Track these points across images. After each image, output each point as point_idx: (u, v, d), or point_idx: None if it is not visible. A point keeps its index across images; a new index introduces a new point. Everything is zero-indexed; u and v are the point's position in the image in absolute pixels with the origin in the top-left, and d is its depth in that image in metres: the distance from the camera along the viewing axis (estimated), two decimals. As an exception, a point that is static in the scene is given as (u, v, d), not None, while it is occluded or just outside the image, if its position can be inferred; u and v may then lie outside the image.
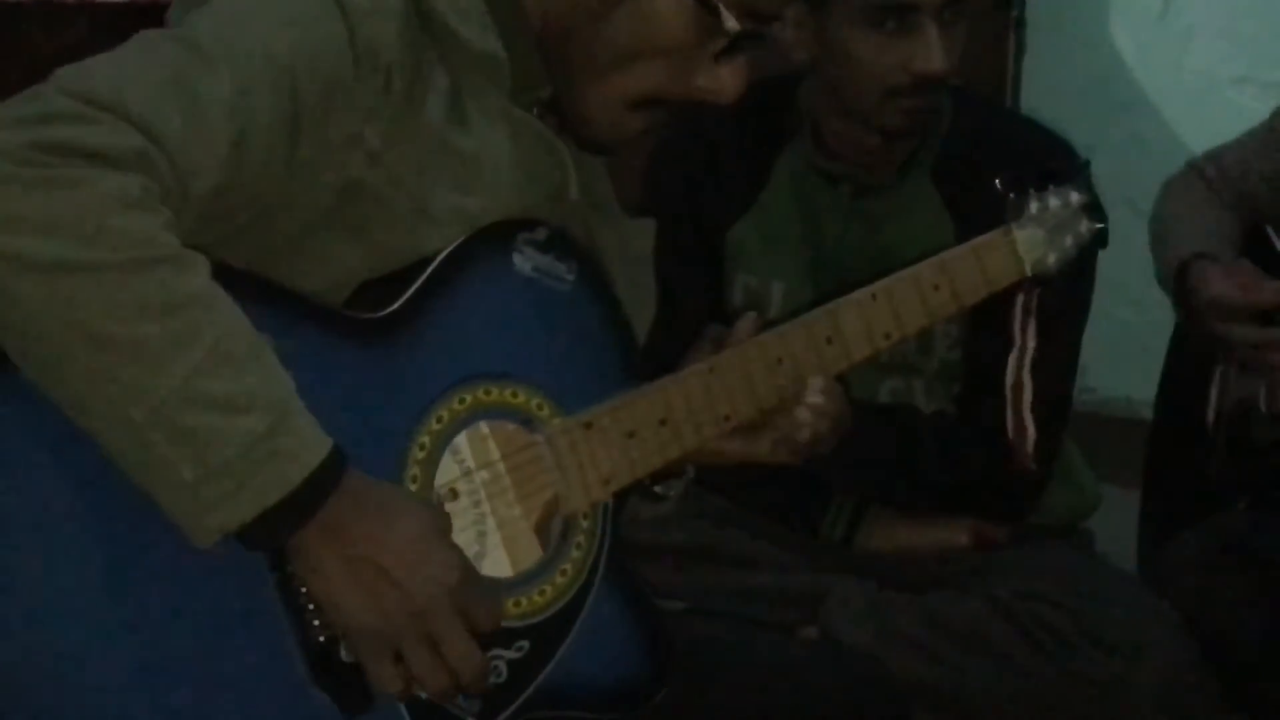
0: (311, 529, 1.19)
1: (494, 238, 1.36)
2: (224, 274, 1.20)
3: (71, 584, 1.20)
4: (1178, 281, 2.11)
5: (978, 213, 1.62)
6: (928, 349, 1.97)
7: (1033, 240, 1.55)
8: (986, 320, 1.83)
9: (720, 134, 2.04)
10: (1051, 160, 1.84)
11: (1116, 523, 2.33)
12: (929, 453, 1.97)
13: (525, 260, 1.39)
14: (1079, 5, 3.55)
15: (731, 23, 1.32)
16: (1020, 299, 1.64)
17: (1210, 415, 2.22)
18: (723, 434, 1.46)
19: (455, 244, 1.33)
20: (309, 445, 1.17)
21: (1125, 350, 3.07)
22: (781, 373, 1.46)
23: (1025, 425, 1.69)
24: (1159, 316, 2.26)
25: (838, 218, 1.98)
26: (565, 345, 1.41)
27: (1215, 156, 2.20)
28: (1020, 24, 3.50)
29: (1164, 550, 2.20)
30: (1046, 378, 1.81)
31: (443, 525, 1.27)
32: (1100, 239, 1.63)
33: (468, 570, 1.25)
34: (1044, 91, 3.47)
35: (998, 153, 1.91)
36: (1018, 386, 1.68)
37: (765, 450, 1.52)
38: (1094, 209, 1.60)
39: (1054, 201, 1.57)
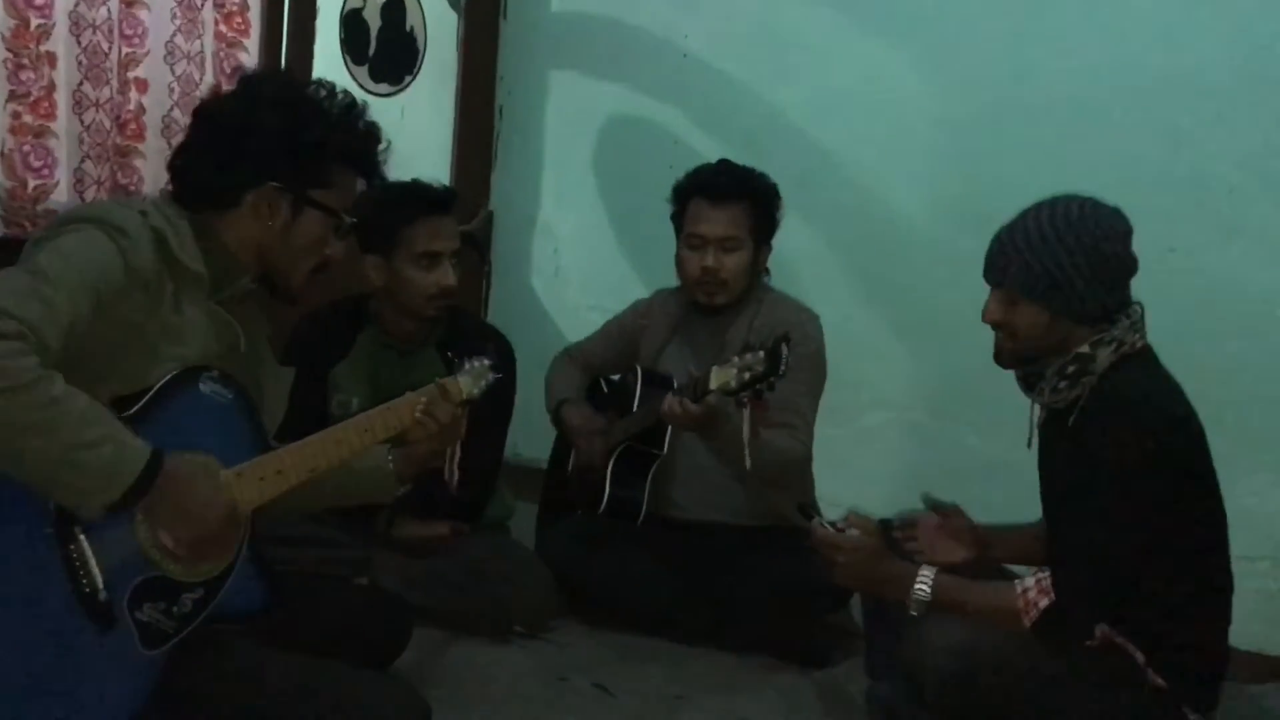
0: (153, 493, 1.61)
1: (188, 376, 1.75)
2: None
3: None
4: None
5: (459, 367, 2.17)
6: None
7: (464, 384, 2.13)
8: None
9: (329, 322, 2.89)
10: (478, 343, 2.45)
11: (524, 523, 3.20)
12: None
13: (207, 387, 1.78)
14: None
15: (348, 220, 1.89)
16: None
17: (570, 468, 3.03)
18: (314, 477, 1.85)
19: (166, 378, 1.71)
20: (140, 453, 1.60)
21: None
22: (341, 446, 1.92)
23: (453, 474, 2.22)
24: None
25: (390, 366, 2.84)
26: (230, 433, 1.79)
27: None
28: (488, 268, 4.34)
29: (544, 535, 3.11)
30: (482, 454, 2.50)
31: (215, 477, 1.69)
32: (497, 384, 2.17)
33: (229, 500, 1.71)
34: (505, 310, 4.18)
35: (467, 336, 2.75)
36: (451, 455, 2.18)
37: (425, 450, 2.07)
38: (494, 369, 2.17)
39: (474, 363, 2.16)
